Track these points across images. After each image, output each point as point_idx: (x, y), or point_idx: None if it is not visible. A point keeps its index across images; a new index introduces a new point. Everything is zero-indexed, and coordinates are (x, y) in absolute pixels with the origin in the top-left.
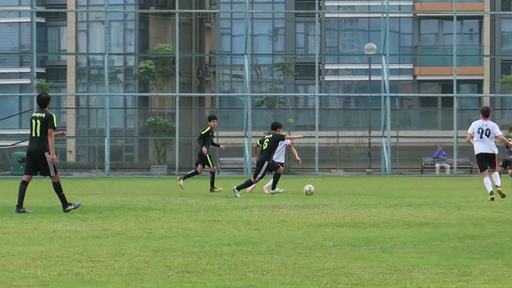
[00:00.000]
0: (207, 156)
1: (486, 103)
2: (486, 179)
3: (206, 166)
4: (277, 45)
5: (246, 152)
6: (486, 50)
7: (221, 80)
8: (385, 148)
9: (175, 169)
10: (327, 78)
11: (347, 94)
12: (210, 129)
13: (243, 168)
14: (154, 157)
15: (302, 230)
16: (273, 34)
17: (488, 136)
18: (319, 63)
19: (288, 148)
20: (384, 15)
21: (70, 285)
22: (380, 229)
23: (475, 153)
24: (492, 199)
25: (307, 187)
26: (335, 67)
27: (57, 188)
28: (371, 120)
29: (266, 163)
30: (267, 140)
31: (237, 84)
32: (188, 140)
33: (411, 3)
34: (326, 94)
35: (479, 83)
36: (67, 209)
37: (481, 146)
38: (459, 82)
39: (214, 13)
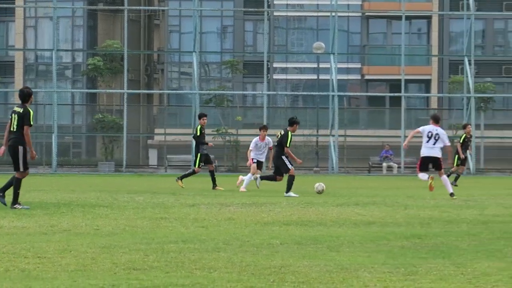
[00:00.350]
0: (199, 155)
1: (434, 103)
2: (422, 174)
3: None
4: (226, 43)
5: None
6: (434, 50)
7: (169, 78)
8: (332, 147)
9: (123, 166)
10: (275, 76)
11: (295, 93)
12: (202, 126)
13: (190, 165)
14: (101, 154)
15: (249, 228)
16: (222, 32)
17: (436, 141)
18: (268, 61)
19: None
20: (333, 14)
21: (16, 281)
22: (327, 228)
23: (421, 155)
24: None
25: (319, 187)
26: (283, 65)
27: (17, 184)
28: (319, 119)
29: (283, 156)
30: (279, 135)
31: (185, 81)
32: (135, 137)
33: (359, 2)
34: (274, 93)
35: (427, 83)
36: (14, 206)
37: (427, 150)
38: (407, 81)
39: (163, 10)
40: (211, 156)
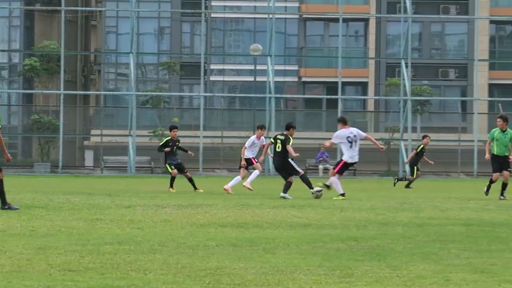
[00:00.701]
0: (167, 166)
1: (370, 105)
2: (334, 178)
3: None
4: (163, 44)
5: (130, 151)
6: (371, 53)
7: (106, 79)
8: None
9: (59, 167)
10: (212, 78)
11: (232, 95)
12: (170, 138)
13: (126, 167)
14: (37, 155)
15: (185, 230)
16: (159, 33)
17: (356, 143)
18: (205, 62)
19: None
20: (270, 16)
21: None
22: (263, 230)
23: (348, 161)
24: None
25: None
26: (220, 67)
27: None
28: (255, 121)
29: (290, 160)
30: (280, 141)
31: (122, 82)
32: (72, 138)
33: (297, 5)
34: (211, 94)
35: (364, 85)
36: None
37: (351, 154)
38: (344, 84)
39: (100, 11)
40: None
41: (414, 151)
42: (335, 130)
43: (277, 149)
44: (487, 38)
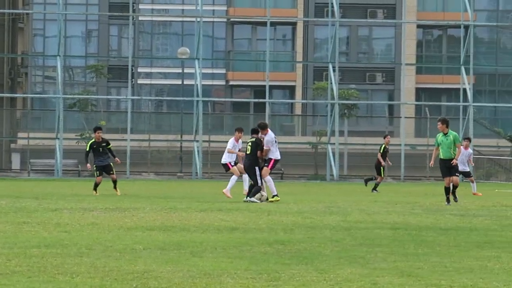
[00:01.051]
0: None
1: (298, 109)
2: (269, 178)
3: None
4: (90, 47)
5: (58, 154)
6: (299, 56)
7: (33, 81)
8: (196, 152)
9: None
10: (140, 81)
11: (160, 98)
12: (94, 141)
13: (53, 170)
14: None
15: (112, 233)
16: (87, 36)
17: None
18: (132, 66)
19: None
20: (198, 19)
21: None
22: (190, 233)
23: (278, 158)
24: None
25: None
26: (148, 70)
27: None
28: (183, 124)
29: (256, 168)
30: (250, 143)
31: (49, 85)
32: None
33: (224, 8)
34: (138, 97)
35: (292, 89)
36: None
37: (277, 153)
38: (272, 87)
39: (27, 14)
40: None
41: (379, 153)
42: None
43: (247, 152)
44: (414, 42)
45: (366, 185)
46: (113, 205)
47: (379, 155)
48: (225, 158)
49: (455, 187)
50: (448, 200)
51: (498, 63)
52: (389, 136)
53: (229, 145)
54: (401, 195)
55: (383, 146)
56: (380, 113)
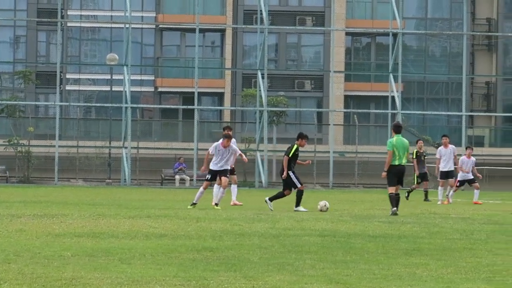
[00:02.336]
0: None
1: (226, 116)
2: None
3: None
4: (18, 53)
5: None
6: (228, 63)
7: None
8: (125, 159)
9: None
10: (68, 87)
11: (88, 104)
12: None
13: None
14: None
15: (40, 240)
16: (15, 42)
17: None
18: (61, 72)
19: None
20: (127, 25)
21: None
22: (119, 240)
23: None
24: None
25: (322, 203)
26: (76, 76)
27: None
28: (112, 131)
29: (290, 172)
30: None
31: None
32: None
33: (153, 15)
34: (66, 103)
35: (220, 95)
36: None
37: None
38: (201, 94)
39: None
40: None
41: (414, 160)
42: (191, 141)
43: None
44: (343, 49)
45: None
46: (41, 212)
47: (415, 162)
48: (211, 166)
49: (426, 191)
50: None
51: (427, 70)
52: (421, 141)
53: (211, 149)
54: (330, 202)
55: (415, 151)
56: (309, 120)
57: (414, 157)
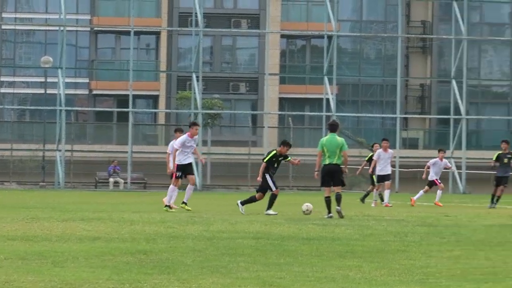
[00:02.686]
0: None
1: (161, 118)
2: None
3: None
4: None
5: None
6: (163, 66)
7: None
8: (59, 162)
9: None
10: (2, 90)
11: (22, 107)
12: None
13: None
14: None
15: None
16: None
17: None
18: None
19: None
20: (61, 28)
21: None
22: (52, 243)
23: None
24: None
25: (305, 207)
26: (11, 79)
27: None
28: (46, 133)
29: (267, 175)
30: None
31: None
32: None
33: (88, 17)
34: (1, 106)
35: (155, 98)
36: None
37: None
38: (135, 97)
39: None
40: None
41: (367, 162)
42: (126, 143)
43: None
44: (278, 52)
45: (363, 202)
46: None
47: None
48: (179, 158)
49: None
50: (338, 205)
51: (361, 73)
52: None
53: (177, 145)
54: (264, 204)
55: (370, 155)
56: (244, 122)
57: (367, 160)
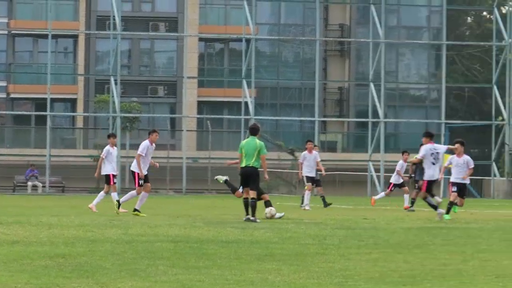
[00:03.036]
0: None
1: (80, 122)
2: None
3: None
4: None
5: None
6: (81, 69)
7: None
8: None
9: None
10: None
11: None
12: None
13: None
14: None
15: None
16: None
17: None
18: None
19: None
20: None
21: None
22: None
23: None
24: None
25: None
26: None
27: None
28: None
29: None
30: None
31: None
32: None
33: (5, 20)
34: None
35: (73, 102)
36: None
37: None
38: (53, 100)
39: None
40: None
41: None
42: (44, 147)
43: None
44: (196, 55)
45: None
46: None
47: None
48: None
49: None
50: (253, 215)
51: (280, 76)
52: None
53: (143, 150)
54: (183, 208)
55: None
56: (162, 126)
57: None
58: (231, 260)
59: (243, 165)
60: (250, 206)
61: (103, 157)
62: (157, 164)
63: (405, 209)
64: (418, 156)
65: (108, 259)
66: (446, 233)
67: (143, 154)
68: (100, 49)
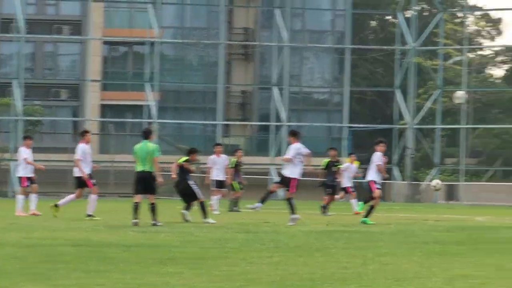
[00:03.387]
0: None
1: None
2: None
3: None
4: None
5: None
6: None
7: None
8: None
9: None
10: None
11: None
12: None
13: None
14: None
15: None
16: None
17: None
18: None
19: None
20: None
21: None
22: None
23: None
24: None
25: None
26: None
27: None
28: None
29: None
30: None
31: None
32: None
33: None
34: None
35: None
36: None
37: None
38: None
39: None
40: None
41: (231, 169)
42: None
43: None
44: (100, 58)
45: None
46: None
47: (232, 170)
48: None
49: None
50: (154, 219)
51: (183, 79)
52: (241, 151)
53: (80, 153)
54: (84, 211)
55: (235, 160)
56: (65, 129)
57: (234, 166)
58: (132, 263)
59: (139, 169)
60: (150, 211)
61: (81, 158)
62: (43, 167)
63: (356, 214)
64: (288, 155)
65: (9, 263)
66: (347, 236)
67: (82, 158)
68: (4, 52)
